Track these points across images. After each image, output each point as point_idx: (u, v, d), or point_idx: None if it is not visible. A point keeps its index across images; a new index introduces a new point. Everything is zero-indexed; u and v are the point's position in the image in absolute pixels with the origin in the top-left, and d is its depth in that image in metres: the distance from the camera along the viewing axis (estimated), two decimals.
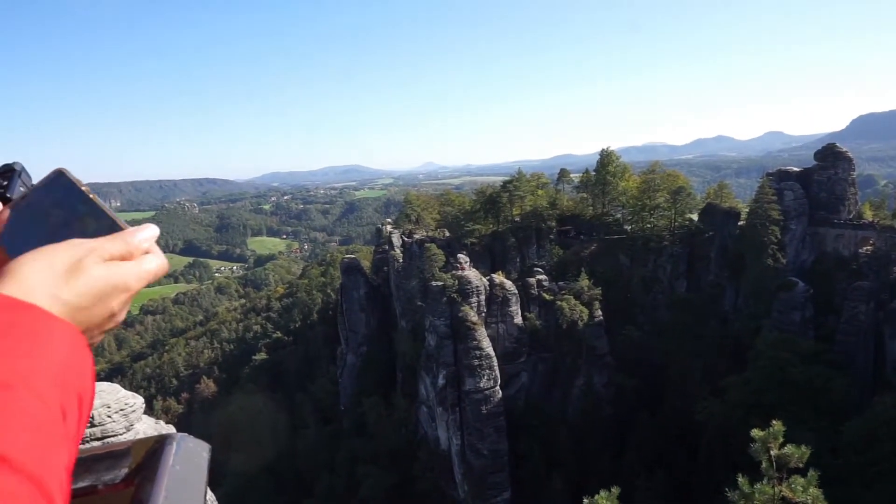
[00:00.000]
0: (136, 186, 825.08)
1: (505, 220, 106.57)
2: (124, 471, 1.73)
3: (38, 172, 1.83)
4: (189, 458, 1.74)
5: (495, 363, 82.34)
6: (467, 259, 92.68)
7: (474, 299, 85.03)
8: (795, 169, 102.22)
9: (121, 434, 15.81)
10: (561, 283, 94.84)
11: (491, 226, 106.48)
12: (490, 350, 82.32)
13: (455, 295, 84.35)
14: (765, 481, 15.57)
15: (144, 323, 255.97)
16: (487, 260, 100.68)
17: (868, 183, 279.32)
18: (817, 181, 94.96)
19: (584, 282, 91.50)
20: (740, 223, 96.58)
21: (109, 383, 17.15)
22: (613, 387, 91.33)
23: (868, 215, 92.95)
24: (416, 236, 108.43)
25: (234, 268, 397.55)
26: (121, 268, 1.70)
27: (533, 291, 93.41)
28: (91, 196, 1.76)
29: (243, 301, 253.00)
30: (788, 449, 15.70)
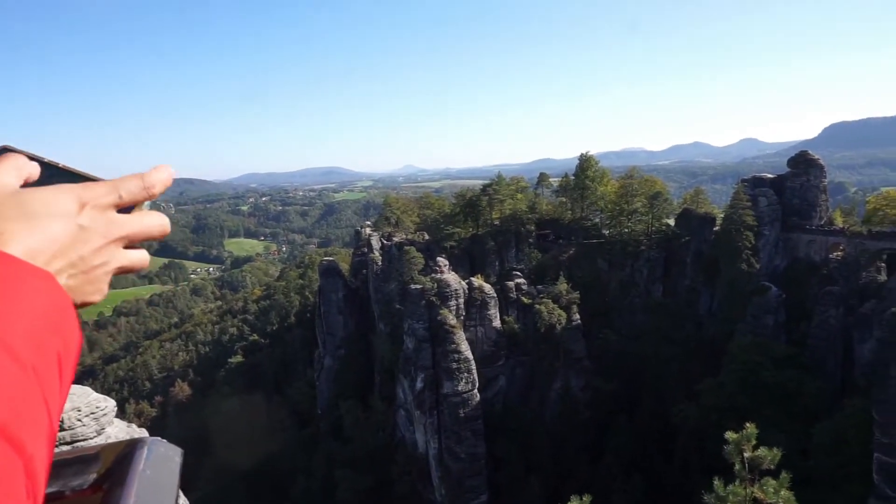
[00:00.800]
0: None
1: (484, 224, 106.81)
2: (93, 476, 1.65)
3: None
4: (161, 463, 1.68)
5: (473, 366, 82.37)
6: (446, 262, 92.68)
7: (453, 302, 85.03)
8: (769, 175, 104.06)
9: (91, 438, 15.46)
10: (539, 286, 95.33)
11: (470, 229, 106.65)
12: (468, 353, 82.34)
13: (434, 298, 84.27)
14: (737, 483, 15.75)
15: (117, 324, 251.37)
16: (466, 263, 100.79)
17: (839, 190, 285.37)
18: (790, 188, 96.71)
19: (563, 286, 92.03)
20: (716, 228, 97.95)
21: (80, 386, 16.77)
22: (591, 390, 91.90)
23: (838, 222, 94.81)
24: (396, 239, 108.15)
25: (211, 269, 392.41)
26: (109, 217, 1.55)
27: (511, 295, 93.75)
28: (49, 160, 1.63)
29: (219, 303, 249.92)
30: (761, 451, 15.89)
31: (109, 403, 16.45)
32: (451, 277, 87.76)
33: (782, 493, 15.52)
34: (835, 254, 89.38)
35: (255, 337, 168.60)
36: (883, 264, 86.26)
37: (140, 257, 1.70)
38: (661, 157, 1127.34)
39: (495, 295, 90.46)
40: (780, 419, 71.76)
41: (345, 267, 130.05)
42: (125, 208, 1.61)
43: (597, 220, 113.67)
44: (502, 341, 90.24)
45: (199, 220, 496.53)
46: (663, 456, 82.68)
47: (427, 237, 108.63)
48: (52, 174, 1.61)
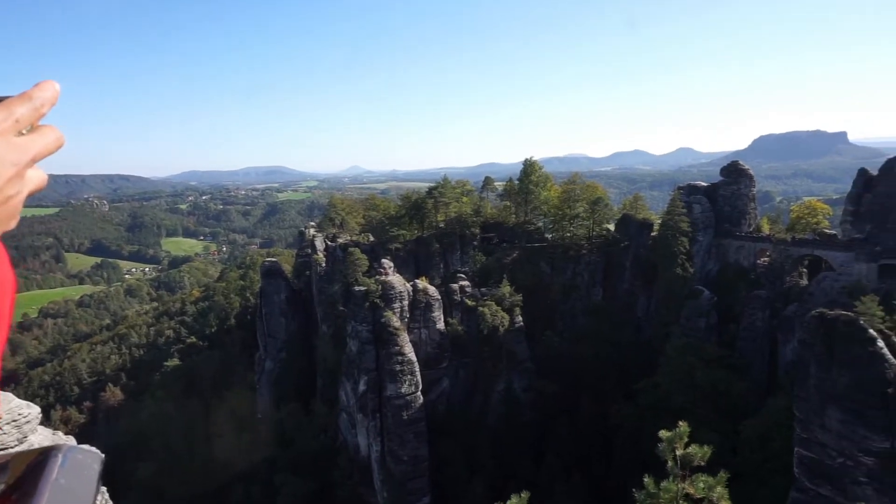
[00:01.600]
0: None
1: (430, 226, 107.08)
2: (1, 486, 1.57)
3: None
4: (76, 471, 1.60)
5: (417, 369, 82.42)
6: (391, 264, 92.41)
7: (397, 304, 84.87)
8: (703, 184, 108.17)
9: (12, 447, 14.75)
10: (483, 289, 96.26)
11: (416, 231, 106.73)
12: (412, 355, 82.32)
13: (378, 300, 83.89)
14: (670, 479, 16.31)
15: (43, 326, 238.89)
16: (411, 265, 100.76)
17: (766, 199, 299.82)
18: (722, 196, 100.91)
19: (506, 288, 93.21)
20: (653, 234, 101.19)
21: (1, 392, 15.97)
22: (533, 392, 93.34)
23: (766, 229, 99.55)
24: (340, 240, 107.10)
25: (147, 269, 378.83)
26: (14, 144, 1.54)
27: (456, 297, 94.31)
28: None
29: (155, 304, 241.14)
30: (692, 449, 16.52)
31: (33, 410, 15.71)
32: (396, 279, 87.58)
33: (717, 489, 16.04)
34: (762, 259, 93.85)
35: (193, 339, 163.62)
36: (805, 269, 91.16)
37: (40, 176, 1.69)
38: (603, 163, 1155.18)
39: (440, 297, 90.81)
40: (711, 417, 74.89)
41: (287, 268, 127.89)
42: None
43: (540, 224, 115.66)
44: (446, 343, 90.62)
45: (135, 218, 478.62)
46: (603, 455, 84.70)
47: (372, 239, 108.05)
48: None
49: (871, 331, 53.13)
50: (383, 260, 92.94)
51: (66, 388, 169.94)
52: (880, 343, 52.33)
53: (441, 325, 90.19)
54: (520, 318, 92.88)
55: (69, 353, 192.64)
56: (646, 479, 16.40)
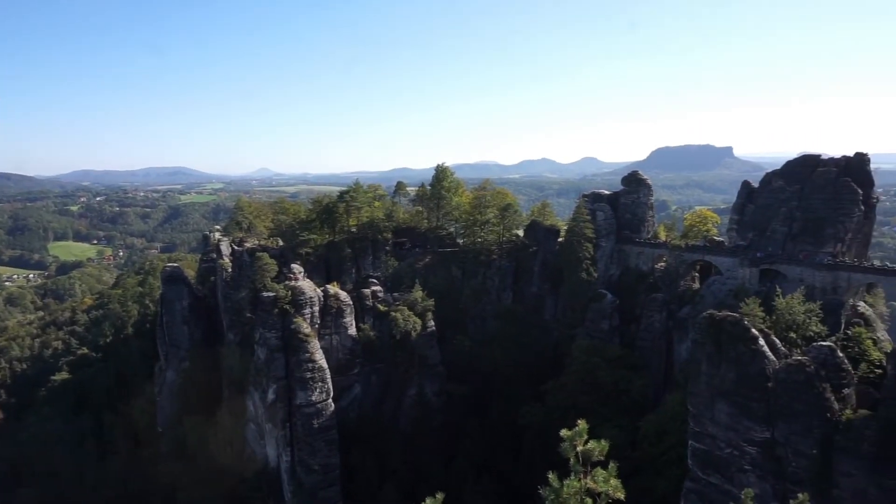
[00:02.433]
0: None
1: (341, 231, 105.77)
2: None
3: None
4: None
5: (328, 375, 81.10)
6: (301, 269, 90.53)
7: (308, 311, 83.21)
8: (606, 192, 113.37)
9: None
10: (396, 294, 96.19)
11: (327, 236, 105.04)
12: (323, 362, 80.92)
13: (288, 306, 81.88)
14: (572, 476, 16.98)
15: None
16: (322, 270, 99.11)
17: (662, 207, 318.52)
18: (623, 204, 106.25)
19: (418, 293, 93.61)
20: (560, 239, 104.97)
21: None
22: (445, 395, 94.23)
23: (662, 235, 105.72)
24: (248, 245, 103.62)
25: (32, 276, 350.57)
26: None
27: (368, 302, 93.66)
28: None
29: (41, 314, 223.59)
30: (591, 445, 17.28)
31: None
32: (306, 285, 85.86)
33: (612, 481, 16.79)
34: (659, 264, 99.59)
35: (85, 350, 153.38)
36: (697, 273, 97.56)
37: None
38: (512, 170, 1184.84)
39: (351, 303, 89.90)
40: (613, 414, 78.68)
41: (191, 274, 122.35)
42: None
43: (452, 229, 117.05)
44: (358, 349, 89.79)
45: (18, 220, 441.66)
46: (512, 455, 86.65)
47: (281, 243, 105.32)
48: None
49: (754, 330, 57.61)
50: (293, 265, 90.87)
51: None
52: (761, 341, 56.82)
53: (353, 331, 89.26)
54: (432, 323, 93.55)
55: None
56: (550, 477, 17.01)
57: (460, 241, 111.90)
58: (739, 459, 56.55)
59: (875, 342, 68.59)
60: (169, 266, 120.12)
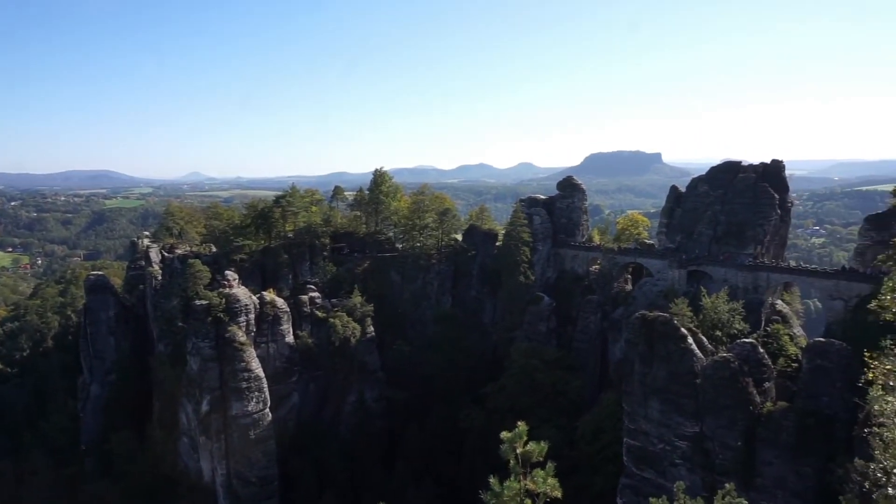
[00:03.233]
0: None
1: (277, 236, 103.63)
2: None
3: None
4: None
5: (265, 384, 79.17)
6: (236, 276, 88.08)
7: (243, 318, 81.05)
8: (542, 197, 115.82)
9: None
10: (334, 300, 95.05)
11: (262, 241, 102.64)
12: (259, 371, 78.98)
13: (222, 314, 79.51)
14: (512, 478, 17.25)
15: None
16: (258, 277, 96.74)
17: (596, 211, 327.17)
18: (559, 208, 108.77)
19: (357, 298, 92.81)
20: (498, 244, 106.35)
21: None
22: (385, 401, 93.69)
23: (596, 239, 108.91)
24: (179, 251, 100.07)
25: None
26: None
27: (305, 309, 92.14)
28: None
29: None
30: (530, 446, 17.58)
31: None
32: (241, 292, 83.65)
33: (549, 481, 17.11)
34: (593, 267, 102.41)
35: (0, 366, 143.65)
36: (629, 275, 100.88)
37: None
38: (451, 175, 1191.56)
39: (288, 309, 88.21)
40: (551, 415, 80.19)
41: (117, 282, 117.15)
42: None
43: (391, 233, 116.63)
44: (296, 357, 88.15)
45: None
46: (453, 459, 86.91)
47: (214, 249, 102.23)
48: None
49: (683, 329, 60.07)
50: (227, 272, 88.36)
51: None
52: (690, 340, 59.31)
53: (290, 339, 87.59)
54: (371, 328, 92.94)
55: None
56: (491, 480, 17.23)
57: (399, 245, 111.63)
58: (671, 454, 58.76)
59: (792, 338, 73.00)
60: (93, 274, 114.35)
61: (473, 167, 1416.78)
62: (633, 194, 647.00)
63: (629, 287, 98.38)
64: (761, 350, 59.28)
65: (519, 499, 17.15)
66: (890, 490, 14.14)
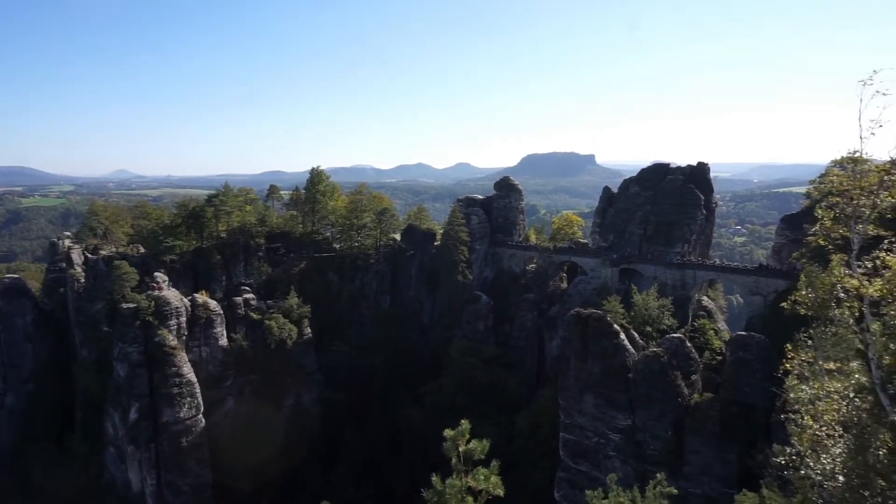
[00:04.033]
0: None
1: (210, 236, 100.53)
2: None
3: None
4: None
5: (197, 390, 76.67)
6: (166, 278, 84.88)
7: (174, 322, 78.20)
8: (480, 197, 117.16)
9: None
10: (270, 301, 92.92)
11: (194, 242, 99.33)
12: (191, 376, 76.42)
13: (151, 318, 76.47)
14: (454, 476, 17.44)
15: None
16: (189, 279, 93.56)
17: (532, 211, 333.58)
18: (496, 208, 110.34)
19: (294, 300, 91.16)
20: (436, 243, 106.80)
21: None
22: (322, 402, 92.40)
23: (533, 238, 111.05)
24: (104, 252, 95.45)
25: None
26: None
27: (240, 311, 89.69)
28: None
29: None
30: (473, 444, 17.84)
31: None
32: (172, 294, 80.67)
33: (492, 479, 17.39)
34: (530, 266, 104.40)
35: None
36: (565, 273, 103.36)
37: None
38: (389, 175, 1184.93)
39: (222, 312, 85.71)
40: (491, 412, 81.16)
41: (35, 286, 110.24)
42: None
43: (328, 233, 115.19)
44: (230, 360, 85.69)
45: None
46: (393, 460, 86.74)
47: (143, 250, 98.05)
48: None
49: (616, 326, 62.16)
50: (156, 273, 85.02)
51: None
52: (622, 336, 61.43)
53: (224, 342, 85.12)
54: (308, 330, 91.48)
55: None
56: (433, 479, 17.35)
57: (337, 245, 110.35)
58: (605, 447, 60.66)
59: (716, 332, 76.72)
60: (7, 277, 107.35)
61: (412, 167, 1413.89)
62: (567, 194, 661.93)
63: (564, 285, 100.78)
64: (689, 344, 62.09)
65: (461, 496, 17.36)
66: (803, 471, 15.13)
